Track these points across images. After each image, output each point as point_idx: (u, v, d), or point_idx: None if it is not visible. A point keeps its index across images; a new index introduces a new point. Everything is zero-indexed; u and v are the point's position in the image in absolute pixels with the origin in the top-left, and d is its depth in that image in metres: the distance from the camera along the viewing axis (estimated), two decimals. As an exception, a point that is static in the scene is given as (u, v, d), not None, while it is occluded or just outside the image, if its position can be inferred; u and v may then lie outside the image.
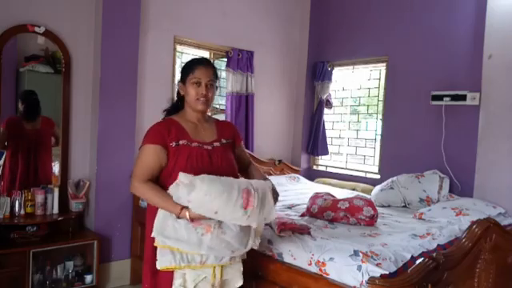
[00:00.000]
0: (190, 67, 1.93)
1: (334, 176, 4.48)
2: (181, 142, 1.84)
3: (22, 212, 2.95)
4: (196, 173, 1.74)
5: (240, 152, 2.11)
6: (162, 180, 1.84)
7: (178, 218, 1.72)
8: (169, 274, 1.80)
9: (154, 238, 1.77)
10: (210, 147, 1.90)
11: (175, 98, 2.12)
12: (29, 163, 3.15)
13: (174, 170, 1.80)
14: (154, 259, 1.79)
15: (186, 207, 1.70)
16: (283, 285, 2.16)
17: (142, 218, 3.40)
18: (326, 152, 4.63)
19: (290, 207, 3.10)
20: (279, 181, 4.11)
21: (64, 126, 3.26)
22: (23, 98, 3.10)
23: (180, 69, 2.00)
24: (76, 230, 3.24)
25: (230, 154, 1.98)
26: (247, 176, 2.08)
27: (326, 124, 4.63)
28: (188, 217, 1.69)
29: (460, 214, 2.80)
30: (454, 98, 3.37)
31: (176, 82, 3.87)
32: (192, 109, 1.94)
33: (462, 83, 3.42)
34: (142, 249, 3.40)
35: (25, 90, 3.11)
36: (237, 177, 1.95)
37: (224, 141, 1.98)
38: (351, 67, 4.46)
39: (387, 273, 1.80)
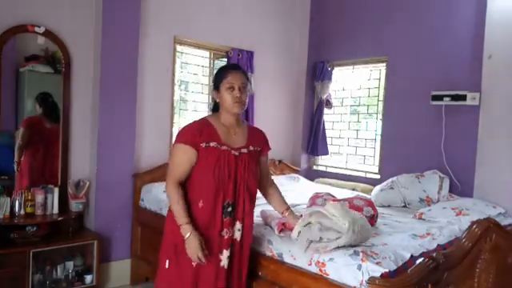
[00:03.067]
0: (222, 74, 2.03)
1: (333, 176, 4.48)
2: (211, 144, 1.95)
3: (22, 212, 2.96)
4: (221, 175, 1.93)
5: (263, 161, 2.21)
6: (192, 176, 1.98)
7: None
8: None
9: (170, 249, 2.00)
10: (237, 153, 2.01)
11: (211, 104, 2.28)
12: (45, 162, 3.26)
13: (203, 169, 1.94)
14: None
15: (190, 224, 1.90)
16: (283, 285, 2.16)
17: (142, 217, 3.42)
18: (326, 152, 4.63)
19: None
20: (279, 181, 4.10)
21: (64, 125, 3.27)
22: (41, 102, 3.21)
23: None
24: (76, 230, 3.24)
25: (253, 163, 2.09)
26: (266, 197, 2.30)
27: (326, 124, 4.62)
28: (185, 236, 1.89)
29: (460, 213, 2.80)
30: (454, 98, 3.37)
31: (176, 81, 3.91)
32: (228, 112, 2.03)
33: (462, 83, 3.42)
34: (142, 249, 3.42)
35: (42, 92, 3.23)
36: (256, 186, 2.12)
37: (252, 148, 2.09)
38: (351, 67, 4.46)
39: (388, 271, 1.80)
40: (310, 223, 2.04)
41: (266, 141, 2.23)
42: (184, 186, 1.99)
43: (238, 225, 2.03)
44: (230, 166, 1.96)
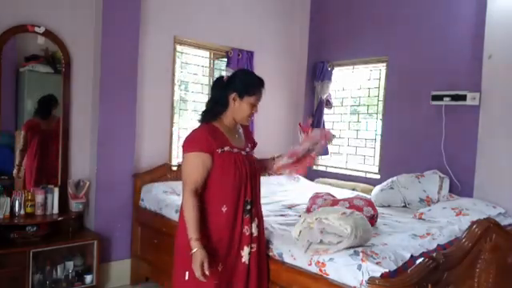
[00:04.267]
0: (254, 88, 2.04)
1: (333, 176, 4.47)
2: (225, 149, 1.98)
3: (22, 212, 2.96)
4: (241, 176, 1.98)
5: None
6: (210, 184, 1.97)
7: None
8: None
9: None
10: (244, 153, 2.07)
11: (207, 102, 2.16)
12: (45, 161, 3.26)
13: (223, 174, 1.96)
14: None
15: (199, 240, 1.84)
16: (283, 285, 2.16)
17: (142, 217, 3.42)
18: (325, 152, 4.63)
19: (290, 207, 3.10)
20: (279, 181, 4.11)
21: (64, 125, 3.27)
22: (42, 103, 3.24)
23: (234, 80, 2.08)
24: (76, 230, 3.24)
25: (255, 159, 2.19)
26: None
27: (326, 124, 4.62)
28: (193, 250, 1.83)
29: (460, 214, 2.80)
30: (454, 98, 3.37)
31: (176, 81, 3.91)
32: (236, 120, 2.07)
33: (462, 83, 3.42)
34: (142, 249, 3.42)
35: (43, 95, 3.25)
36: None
37: (250, 145, 2.17)
38: (351, 67, 4.46)
39: (388, 271, 1.80)
40: (310, 224, 2.04)
41: (253, 137, 2.30)
42: (200, 195, 1.95)
43: (256, 220, 2.08)
44: (246, 166, 2.02)
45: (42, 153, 3.25)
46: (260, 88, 2.08)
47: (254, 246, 2.06)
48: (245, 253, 2.02)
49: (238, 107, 2.03)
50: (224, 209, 1.96)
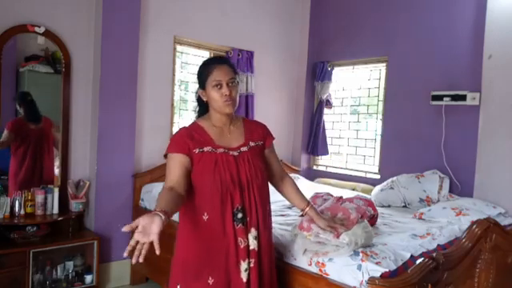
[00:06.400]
0: (205, 70, 1.79)
1: (333, 176, 4.48)
2: (205, 149, 1.76)
3: (22, 212, 2.96)
4: (224, 180, 1.72)
5: (269, 154, 1.97)
6: (193, 184, 1.77)
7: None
8: None
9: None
10: (236, 153, 1.80)
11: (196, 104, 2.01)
12: (33, 164, 3.19)
13: (202, 178, 1.74)
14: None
15: (160, 213, 1.54)
16: (283, 285, 2.16)
17: (142, 218, 3.41)
18: (326, 152, 4.63)
19: (290, 207, 3.09)
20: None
21: (64, 126, 3.27)
22: (20, 101, 3.13)
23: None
24: (76, 229, 3.24)
25: (258, 160, 1.86)
26: (282, 193, 2.05)
27: (326, 124, 4.63)
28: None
29: (460, 214, 2.80)
30: (454, 98, 3.37)
31: (176, 81, 3.91)
32: (218, 113, 1.81)
33: (462, 83, 3.42)
34: (142, 249, 3.41)
35: (20, 91, 3.13)
36: (266, 185, 1.89)
37: (252, 144, 1.87)
38: (351, 67, 4.46)
39: (388, 270, 1.80)
40: (307, 236, 2.03)
41: (267, 131, 1.98)
42: (186, 203, 1.76)
43: (254, 232, 1.77)
44: (232, 169, 1.74)
45: (33, 157, 3.17)
46: (214, 65, 1.79)
47: (252, 260, 1.76)
48: (242, 268, 1.74)
49: (210, 100, 1.79)
50: (205, 217, 1.72)
